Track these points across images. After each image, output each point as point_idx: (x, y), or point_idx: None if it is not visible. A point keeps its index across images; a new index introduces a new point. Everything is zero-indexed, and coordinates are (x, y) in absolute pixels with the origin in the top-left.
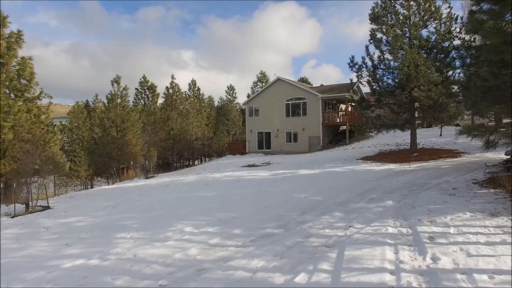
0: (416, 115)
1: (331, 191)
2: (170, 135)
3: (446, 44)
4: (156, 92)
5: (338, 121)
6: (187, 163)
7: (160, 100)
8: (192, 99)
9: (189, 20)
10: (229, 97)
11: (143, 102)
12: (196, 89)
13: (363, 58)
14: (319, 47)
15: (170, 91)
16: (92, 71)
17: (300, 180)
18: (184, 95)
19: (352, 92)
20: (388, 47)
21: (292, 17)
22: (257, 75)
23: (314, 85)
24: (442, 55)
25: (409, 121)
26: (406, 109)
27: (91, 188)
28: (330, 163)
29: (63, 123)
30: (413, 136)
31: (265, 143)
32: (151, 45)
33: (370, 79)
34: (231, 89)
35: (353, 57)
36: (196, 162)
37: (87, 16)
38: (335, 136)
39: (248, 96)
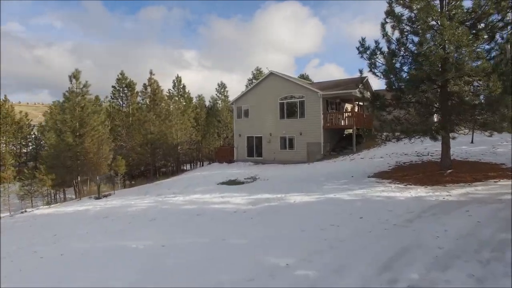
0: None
1: (333, 253)
2: (147, 139)
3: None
4: (135, 91)
5: (342, 124)
6: (173, 170)
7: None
8: (177, 98)
9: (191, 20)
10: (220, 95)
11: (121, 102)
12: (181, 86)
13: (376, 43)
14: (321, 46)
15: (148, 89)
16: (95, 71)
17: (286, 220)
18: (168, 94)
19: (362, 88)
20: (411, 26)
21: (294, 17)
22: (252, 71)
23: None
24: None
25: (443, 126)
26: (435, 110)
27: (48, 204)
28: (333, 182)
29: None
30: (446, 146)
31: (255, 149)
32: (154, 45)
33: (387, 68)
34: (222, 87)
35: (363, 39)
36: (188, 166)
37: (90, 17)
38: (339, 142)
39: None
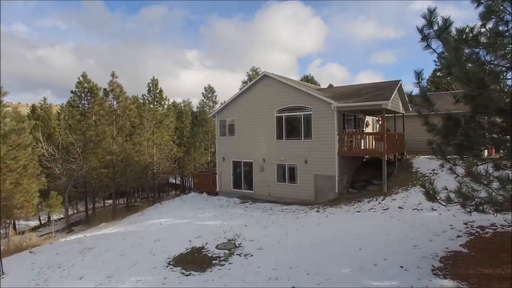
0: None
1: None
2: (106, 162)
3: None
4: (99, 96)
5: (368, 147)
6: (153, 196)
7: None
8: (152, 105)
9: (192, 20)
10: (207, 101)
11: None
12: (157, 91)
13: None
14: (323, 46)
15: (110, 95)
16: (97, 71)
17: None
18: (141, 100)
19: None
20: None
21: (295, 16)
22: (247, 72)
23: (321, 87)
24: None
25: None
26: None
27: None
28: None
29: None
30: None
31: (244, 179)
32: (155, 45)
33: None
34: (209, 91)
35: (432, 10)
36: (169, 187)
37: (91, 16)
38: (358, 172)
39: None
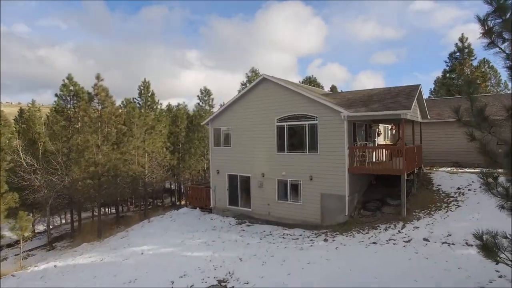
0: None
1: None
2: (89, 174)
3: None
4: (84, 101)
5: (383, 162)
6: (144, 207)
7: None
8: (143, 109)
9: (192, 20)
10: (203, 104)
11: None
12: (149, 94)
13: None
14: (324, 46)
15: (95, 100)
16: (97, 71)
17: None
18: (132, 104)
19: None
20: None
21: (296, 16)
22: (246, 74)
23: (325, 89)
24: None
25: None
26: None
27: None
28: None
29: None
30: None
31: (241, 195)
32: (156, 45)
33: None
34: (205, 93)
35: None
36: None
37: (91, 16)
38: (370, 189)
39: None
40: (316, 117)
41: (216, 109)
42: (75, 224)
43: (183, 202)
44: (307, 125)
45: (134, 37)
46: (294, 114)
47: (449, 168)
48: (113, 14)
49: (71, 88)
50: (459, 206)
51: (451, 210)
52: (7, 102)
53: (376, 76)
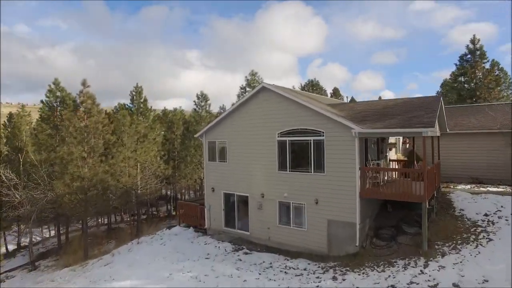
0: None
1: None
2: (74, 189)
3: None
4: (70, 108)
5: (400, 186)
6: (137, 220)
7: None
8: (135, 116)
9: (192, 20)
10: (200, 110)
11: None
12: (142, 100)
13: None
14: (324, 46)
15: (81, 109)
16: (98, 71)
17: None
18: (123, 111)
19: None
20: None
21: (296, 16)
22: (245, 77)
23: (331, 99)
24: None
25: None
26: None
27: None
28: None
29: None
30: None
31: (238, 216)
32: (156, 45)
33: None
34: (202, 98)
35: None
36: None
37: (91, 16)
38: (382, 213)
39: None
40: (323, 132)
41: (215, 111)
42: (63, 237)
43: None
44: (312, 141)
45: (134, 37)
46: (298, 129)
47: (469, 186)
48: (113, 14)
49: (58, 94)
50: (490, 239)
51: (481, 245)
52: (7, 103)
53: (377, 76)
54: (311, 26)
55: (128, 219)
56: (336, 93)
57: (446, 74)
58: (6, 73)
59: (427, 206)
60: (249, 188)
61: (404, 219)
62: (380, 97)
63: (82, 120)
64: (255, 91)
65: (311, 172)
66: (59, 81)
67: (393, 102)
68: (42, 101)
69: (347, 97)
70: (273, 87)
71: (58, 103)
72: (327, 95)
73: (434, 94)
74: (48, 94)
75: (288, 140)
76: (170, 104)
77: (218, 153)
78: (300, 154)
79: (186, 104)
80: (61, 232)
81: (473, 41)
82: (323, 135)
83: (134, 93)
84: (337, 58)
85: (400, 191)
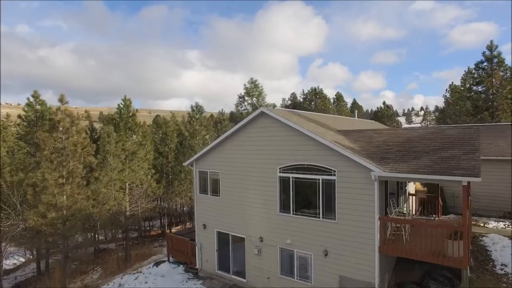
0: None
1: None
2: (49, 220)
3: None
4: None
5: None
6: (125, 243)
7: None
8: (122, 133)
9: (192, 20)
10: (194, 123)
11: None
12: (130, 115)
13: None
14: (325, 46)
15: (60, 128)
16: (98, 72)
17: None
18: (107, 128)
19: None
20: None
21: (297, 16)
22: (244, 85)
23: (341, 117)
24: None
25: None
26: None
27: None
28: None
29: None
30: None
31: (233, 259)
32: (156, 45)
33: None
34: (197, 110)
35: None
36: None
37: (91, 16)
38: (401, 266)
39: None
40: (334, 171)
41: (215, 111)
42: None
43: (174, 230)
44: (321, 181)
45: (134, 37)
46: (304, 165)
47: (502, 224)
48: (113, 14)
49: (38, 107)
50: None
51: None
52: (6, 103)
53: (377, 76)
54: (312, 26)
55: (119, 237)
56: (339, 98)
57: (446, 74)
58: (6, 73)
59: (468, 274)
60: (246, 229)
61: (432, 273)
62: (397, 124)
63: (60, 141)
64: (253, 116)
65: (319, 218)
66: (39, 93)
67: (419, 133)
68: (19, 116)
69: (350, 108)
70: (274, 113)
71: (37, 118)
72: (330, 103)
73: (434, 94)
74: (26, 109)
75: (292, 177)
76: (171, 104)
77: (210, 185)
78: (306, 195)
79: (186, 104)
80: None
81: (490, 47)
82: (334, 174)
83: (121, 106)
84: (338, 58)
85: (431, 250)
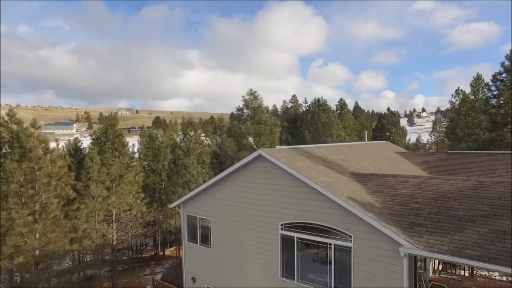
0: None
1: None
2: (16, 266)
3: None
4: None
5: None
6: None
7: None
8: (107, 155)
9: (192, 20)
10: (188, 140)
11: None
12: (116, 134)
13: None
14: (325, 46)
15: (31, 158)
16: (98, 72)
17: None
18: (91, 152)
19: None
20: None
21: (297, 16)
22: (243, 96)
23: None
24: None
25: None
26: None
27: None
28: None
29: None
30: None
31: None
32: (156, 45)
33: None
34: (191, 127)
35: None
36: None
37: (90, 16)
38: None
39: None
40: (351, 236)
41: (215, 112)
42: None
43: (167, 252)
44: (333, 246)
45: (134, 37)
46: (311, 224)
47: None
48: (113, 14)
49: (14, 127)
50: None
51: None
52: (6, 104)
53: (378, 76)
54: (312, 26)
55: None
56: (342, 106)
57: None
58: (6, 73)
59: None
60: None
61: None
62: (402, 131)
63: (31, 172)
64: (249, 160)
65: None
66: (15, 111)
67: (454, 187)
68: None
69: (352, 111)
70: (274, 157)
71: (13, 139)
72: (334, 116)
73: (435, 94)
74: (0, 129)
75: (297, 237)
76: (171, 105)
77: (200, 233)
78: (314, 260)
79: (186, 105)
80: None
81: (510, 58)
82: (350, 240)
83: (107, 125)
84: (338, 58)
85: None
